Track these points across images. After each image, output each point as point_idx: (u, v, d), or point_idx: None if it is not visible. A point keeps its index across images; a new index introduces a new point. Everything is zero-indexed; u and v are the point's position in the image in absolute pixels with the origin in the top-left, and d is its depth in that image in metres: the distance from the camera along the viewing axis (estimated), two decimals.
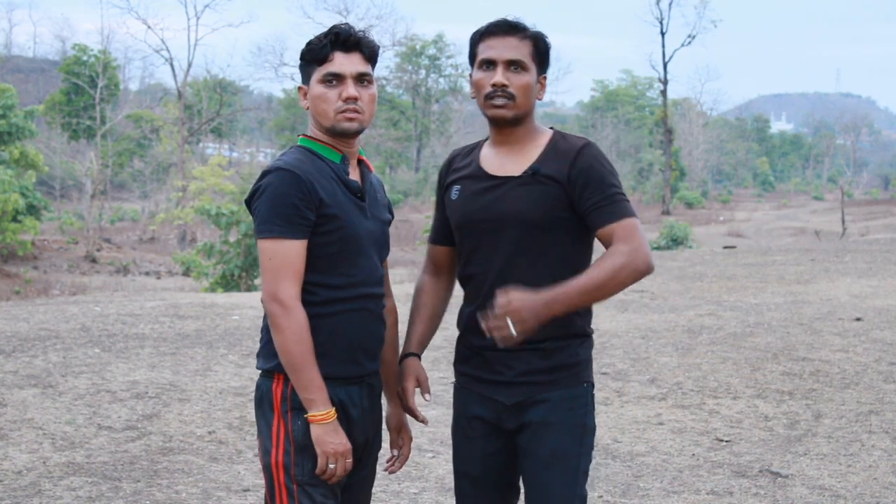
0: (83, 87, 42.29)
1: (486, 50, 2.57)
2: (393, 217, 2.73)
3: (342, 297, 2.50)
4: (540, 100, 2.64)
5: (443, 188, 2.74)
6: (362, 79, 2.52)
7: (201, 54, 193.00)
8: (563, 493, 2.54)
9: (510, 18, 2.60)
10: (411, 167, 64.81)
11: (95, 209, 36.13)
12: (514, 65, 2.55)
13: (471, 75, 2.63)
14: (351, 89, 2.49)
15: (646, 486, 4.70)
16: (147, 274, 26.79)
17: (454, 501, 4.49)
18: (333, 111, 2.50)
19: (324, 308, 2.48)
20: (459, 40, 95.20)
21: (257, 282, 16.47)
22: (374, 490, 4.62)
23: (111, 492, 4.43)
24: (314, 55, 2.52)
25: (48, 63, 75.69)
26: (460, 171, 2.70)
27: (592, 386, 2.62)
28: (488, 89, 2.55)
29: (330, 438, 2.43)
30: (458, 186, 2.67)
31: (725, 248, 19.45)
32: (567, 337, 2.56)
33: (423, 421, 2.76)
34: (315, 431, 2.43)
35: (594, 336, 2.70)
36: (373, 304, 2.57)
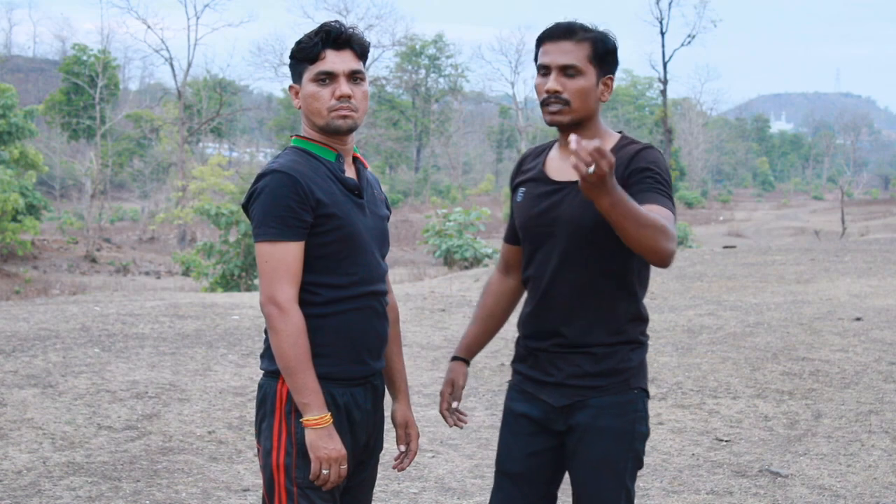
0: (83, 87, 42.26)
1: (543, 56, 2.57)
2: (390, 212, 2.73)
3: (345, 297, 2.48)
4: (604, 101, 2.61)
5: (512, 189, 2.76)
6: (354, 76, 2.51)
7: (201, 54, 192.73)
8: (609, 499, 2.55)
9: (566, 21, 2.58)
10: (411, 167, 64.79)
11: (95, 209, 36.13)
12: (568, 70, 2.54)
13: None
14: (344, 87, 2.48)
15: (646, 486, 4.70)
16: (147, 274, 26.80)
17: (456, 501, 4.50)
18: (327, 109, 2.49)
19: (327, 308, 2.47)
20: (459, 40, 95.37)
21: (257, 282, 16.46)
22: (374, 490, 4.62)
23: (111, 492, 4.43)
24: (305, 54, 2.50)
25: (48, 63, 75.73)
26: (527, 173, 2.71)
27: (646, 393, 2.62)
28: (544, 95, 2.56)
29: (324, 444, 2.41)
30: (524, 189, 2.69)
31: (725, 247, 19.44)
32: (618, 343, 2.58)
33: (454, 426, 2.80)
34: (309, 436, 2.41)
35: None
36: (376, 301, 2.56)
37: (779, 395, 6.20)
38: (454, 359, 2.82)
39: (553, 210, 2.57)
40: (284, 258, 2.41)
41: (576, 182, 2.51)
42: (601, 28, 2.61)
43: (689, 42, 50.31)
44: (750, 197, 74.09)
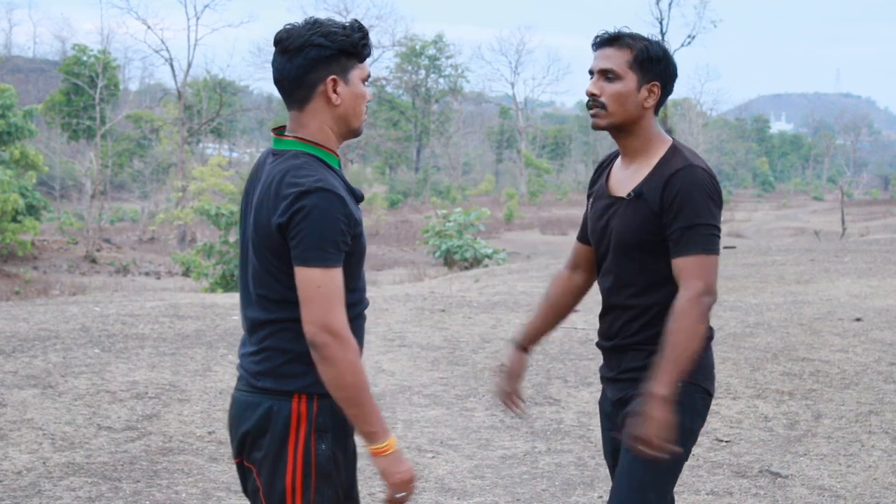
0: (83, 88, 42.20)
1: (591, 63, 2.67)
2: None
3: (353, 314, 2.39)
4: (647, 107, 2.65)
5: (587, 196, 2.87)
6: None
7: (201, 54, 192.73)
8: (637, 479, 2.61)
9: (613, 30, 2.68)
10: (411, 167, 64.78)
11: (95, 209, 36.13)
12: (608, 74, 2.63)
13: None
14: (369, 92, 2.48)
15: None
16: (147, 274, 26.78)
17: (456, 501, 4.50)
18: (363, 113, 2.46)
19: None
20: (459, 40, 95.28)
21: None
22: (373, 490, 4.62)
23: (111, 492, 4.43)
24: (360, 51, 2.38)
25: (48, 63, 75.57)
26: (596, 184, 2.83)
27: (695, 388, 2.64)
28: (587, 99, 2.66)
29: (396, 468, 2.33)
30: (592, 200, 2.81)
31: (725, 248, 19.43)
32: (657, 343, 2.64)
33: (512, 410, 2.96)
34: (381, 464, 2.33)
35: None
36: (367, 312, 2.50)
37: (779, 396, 6.20)
38: (512, 343, 2.96)
39: (609, 223, 2.70)
40: (337, 284, 2.28)
41: (623, 198, 2.66)
42: (653, 39, 2.67)
43: (689, 42, 50.29)
44: (750, 197, 74.07)
